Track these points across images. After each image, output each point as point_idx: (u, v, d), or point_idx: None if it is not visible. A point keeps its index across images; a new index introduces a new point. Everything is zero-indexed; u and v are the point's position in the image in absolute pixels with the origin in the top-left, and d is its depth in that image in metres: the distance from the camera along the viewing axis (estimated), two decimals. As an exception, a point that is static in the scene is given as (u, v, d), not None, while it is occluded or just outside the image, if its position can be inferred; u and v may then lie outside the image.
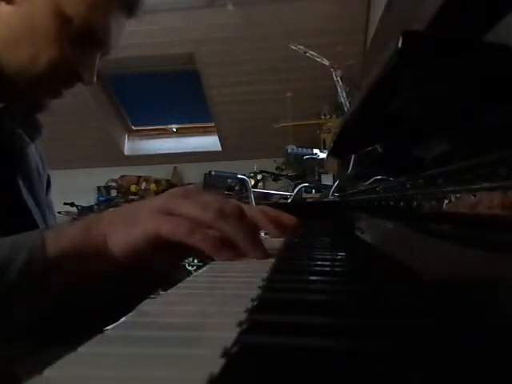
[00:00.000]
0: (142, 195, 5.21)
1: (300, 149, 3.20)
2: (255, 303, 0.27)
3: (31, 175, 0.72)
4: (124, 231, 0.45)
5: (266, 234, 0.70)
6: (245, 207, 0.67)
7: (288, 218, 0.66)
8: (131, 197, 5.24)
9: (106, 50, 0.67)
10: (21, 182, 0.68)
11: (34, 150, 0.75)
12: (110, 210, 0.51)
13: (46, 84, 0.64)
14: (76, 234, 0.46)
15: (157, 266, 0.52)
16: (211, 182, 4.62)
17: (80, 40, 0.63)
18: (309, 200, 3.48)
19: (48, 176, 0.80)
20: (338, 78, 3.10)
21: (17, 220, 0.64)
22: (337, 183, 2.23)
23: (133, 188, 5.31)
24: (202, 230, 0.44)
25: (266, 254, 0.48)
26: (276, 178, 4.67)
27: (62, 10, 0.60)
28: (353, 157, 1.00)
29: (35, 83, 0.63)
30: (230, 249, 0.46)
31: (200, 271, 0.45)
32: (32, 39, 0.61)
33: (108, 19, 0.63)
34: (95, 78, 0.68)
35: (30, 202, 0.68)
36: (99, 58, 0.68)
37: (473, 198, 0.28)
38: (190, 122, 5.21)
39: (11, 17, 0.60)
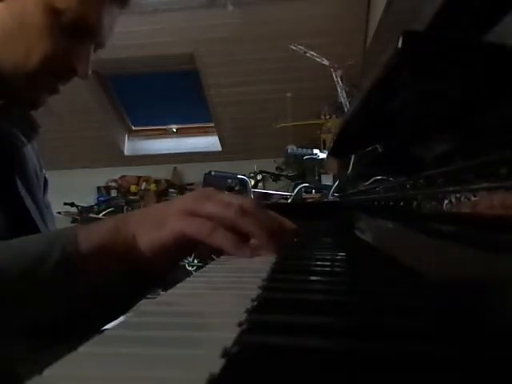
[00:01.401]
0: (142, 195, 5.21)
1: (300, 149, 3.20)
2: (255, 303, 0.27)
3: (29, 175, 0.72)
4: (153, 231, 0.48)
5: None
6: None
7: (290, 224, 0.67)
8: (131, 197, 5.23)
9: (99, 42, 0.67)
10: (19, 182, 0.67)
11: (30, 151, 0.75)
12: (136, 210, 0.55)
13: (42, 79, 0.64)
14: (106, 232, 0.49)
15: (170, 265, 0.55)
16: (211, 183, 4.63)
17: (72, 32, 0.62)
18: (309, 200, 3.48)
19: (45, 177, 0.80)
20: (338, 78, 3.10)
21: (15, 219, 0.64)
22: (337, 183, 2.23)
23: (133, 188, 5.31)
24: (222, 230, 0.48)
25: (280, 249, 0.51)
26: (276, 178, 4.67)
27: (52, 4, 0.60)
28: (353, 157, 1.00)
29: (30, 79, 0.63)
30: (247, 247, 0.50)
31: (200, 271, 0.45)
32: (24, 35, 0.61)
33: (99, 10, 0.63)
34: (90, 70, 0.67)
35: (28, 202, 0.68)
36: (93, 50, 0.67)
37: (473, 197, 0.28)
38: (189, 122, 5.21)
39: (2, 14, 0.60)
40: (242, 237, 0.50)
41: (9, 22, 0.61)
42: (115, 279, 0.49)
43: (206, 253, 0.61)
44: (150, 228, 0.49)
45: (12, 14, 0.60)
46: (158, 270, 0.53)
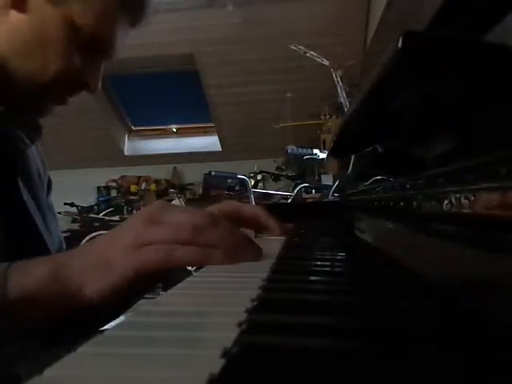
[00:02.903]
0: (142, 195, 5.21)
1: (300, 149, 3.21)
2: (255, 303, 0.27)
3: (32, 177, 0.72)
4: (101, 277, 0.43)
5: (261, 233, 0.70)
6: (243, 207, 0.67)
7: (272, 225, 0.67)
8: (131, 197, 5.24)
9: (109, 58, 0.69)
10: (21, 184, 0.68)
11: (34, 152, 0.75)
12: (78, 248, 0.48)
13: (52, 91, 0.65)
14: (41, 277, 0.43)
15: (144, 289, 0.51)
16: (211, 183, 4.63)
17: (87, 48, 0.64)
18: (309, 200, 3.48)
19: (49, 178, 0.81)
20: (338, 78, 3.10)
21: (17, 222, 0.64)
22: (337, 183, 2.23)
23: (133, 188, 5.31)
24: (181, 246, 0.43)
25: (252, 256, 0.46)
26: (276, 178, 4.67)
27: (71, 20, 0.61)
28: (353, 157, 1.00)
29: (42, 91, 0.64)
30: (217, 251, 0.44)
31: (200, 271, 0.45)
32: (42, 47, 0.62)
33: (114, 29, 0.65)
34: (99, 85, 0.69)
35: (31, 204, 0.68)
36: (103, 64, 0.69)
37: (473, 197, 0.28)
38: (190, 122, 5.21)
39: (22, 25, 0.61)
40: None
41: (28, 34, 0.61)
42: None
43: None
44: (96, 274, 0.43)
45: (32, 26, 0.61)
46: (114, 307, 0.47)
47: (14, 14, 0.61)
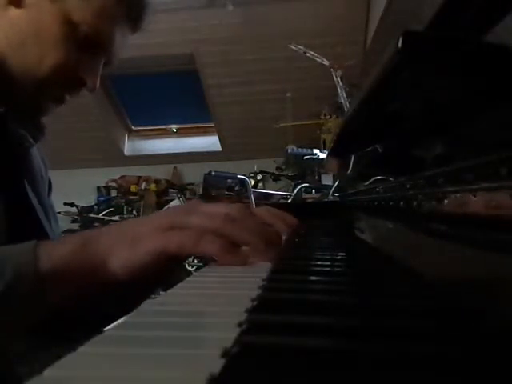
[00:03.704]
0: (142, 195, 5.21)
1: (300, 149, 3.21)
2: (255, 303, 0.27)
3: (35, 176, 0.72)
4: (127, 251, 0.43)
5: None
6: (253, 210, 0.66)
7: (290, 219, 0.66)
8: (131, 197, 5.24)
9: (109, 59, 0.69)
10: (26, 183, 0.68)
11: (36, 152, 0.75)
12: (109, 225, 0.49)
13: (50, 88, 0.65)
14: (71, 251, 0.43)
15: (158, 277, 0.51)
16: (211, 182, 4.63)
17: (85, 46, 0.64)
18: (309, 200, 3.48)
19: (49, 179, 0.81)
20: (338, 78, 3.10)
21: (22, 219, 0.64)
22: (337, 183, 2.23)
23: (133, 188, 5.31)
24: (209, 235, 0.43)
25: (276, 253, 0.47)
26: (276, 178, 4.67)
27: (69, 16, 0.62)
28: (353, 157, 1.00)
29: (39, 87, 0.64)
30: (238, 253, 0.45)
31: (200, 271, 0.45)
32: (38, 42, 0.62)
33: (113, 27, 0.65)
34: (98, 84, 0.69)
35: (35, 202, 0.68)
36: (102, 66, 0.69)
37: (473, 198, 0.28)
38: (189, 122, 5.21)
39: (19, 20, 0.62)
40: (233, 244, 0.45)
41: (25, 28, 0.62)
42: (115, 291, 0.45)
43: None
44: (124, 247, 0.43)
45: (29, 21, 0.62)
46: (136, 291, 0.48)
47: (11, 10, 0.61)
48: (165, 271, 0.47)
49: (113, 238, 0.45)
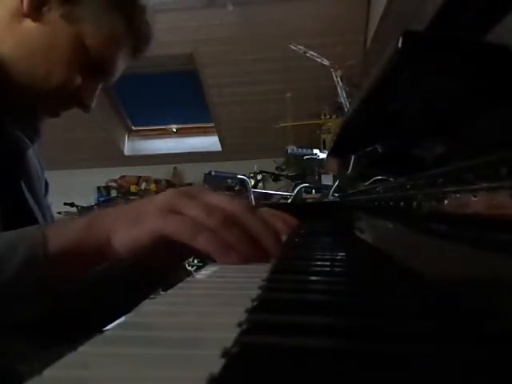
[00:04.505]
0: (142, 195, 5.21)
1: (300, 149, 3.20)
2: (255, 303, 0.27)
3: (32, 177, 0.73)
4: (129, 228, 0.44)
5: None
6: None
7: (290, 219, 0.67)
8: (131, 197, 5.23)
9: (107, 80, 0.72)
10: (23, 184, 0.68)
11: (32, 153, 0.76)
12: (114, 207, 0.50)
13: (49, 103, 0.68)
14: (78, 231, 0.45)
15: (156, 265, 0.52)
16: (211, 182, 4.63)
17: (89, 69, 0.67)
18: (309, 200, 3.48)
19: (45, 180, 0.81)
20: (338, 78, 3.10)
21: (19, 220, 0.64)
22: (337, 183, 2.23)
23: (133, 188, 5.31)
24: (207, 231, 0.43)
25: (274, 255, 0.46)
26: (276, 178, 4.67)
27: (81, 40, 0.64)
28: (353, 157, 1.00)
29: (39, 100, 0.66)
30: (234, 252, 0.44)
31: (200, 271, 0.45)
32: (48, 58, 0.64)
33: (118, 55, 0.68)
34: (93, 105, 0.73)
35: (32, 202, 0.69)
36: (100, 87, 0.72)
37: (473, 198, 0.28)
38: (190, 122, 5.21)
39: (33, 33, 0.63)
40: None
41: (37, 42, 0.64)
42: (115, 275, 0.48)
43: (187, 254, 0.54)
44: (126, 226, 0.45)
45: (42, 36, 0.64)
46: (157, 270, 0.51)
47: (28, 22, 0.63)
48: (164, 256, 0.48)
49: (117, 216, 0.46)
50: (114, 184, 5.43)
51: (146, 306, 0.29)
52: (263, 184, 4.84)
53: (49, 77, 0.64)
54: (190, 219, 0.43)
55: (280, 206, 1.98)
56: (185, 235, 0.43)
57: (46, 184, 0.82)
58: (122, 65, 0.71)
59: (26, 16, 0.62)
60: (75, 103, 0.70)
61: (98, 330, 0.24)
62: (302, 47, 3.34)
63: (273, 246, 0.46)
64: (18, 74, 0.64)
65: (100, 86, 0.72)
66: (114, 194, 5.42)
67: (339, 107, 3.52)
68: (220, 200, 0.45)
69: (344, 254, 0.54)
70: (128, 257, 0.45)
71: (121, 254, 0.45)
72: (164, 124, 5.24)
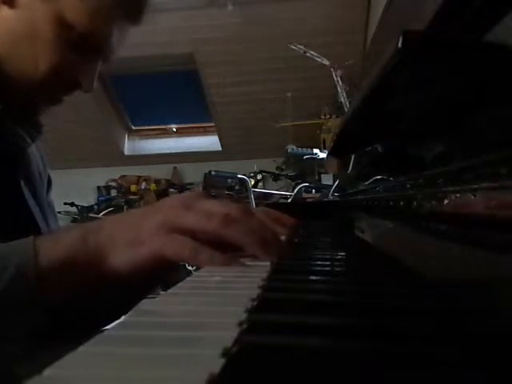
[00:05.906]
0: (142, 195, 5.21)
1: (300, 149, 3.21)
2: (255, 303, 0.27)
3: (32, 175, 0.72)
4: (129, 249, 0.43)
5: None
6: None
7: (288, 219, 0.66)
8: (131, 197, 5.24)
9: (106, 57, 0.68)
10: (22, 183, 0.68)
11: (34, 150, 0.75)
12: (108, 217, 0.48)
13: (46, 89, 0.65)
14: (71, 244, 0.43)
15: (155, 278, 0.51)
16: (211, 182, 4.63)
17: (81, 47, 0.63)
18: (309, 200, 3.48)
19: (49, 176, 0.81)
20: (338, 78, 3.10)
21: (18, 220, 0.64)
22: (337, 183, 2.23)
23: (133, 188, 5.31)
24: (207, 249, 0.42)
25: (277, 254, 0.45)
26: (276, 178, 4.67)
27: (62, 17, 0.60)
28: (353, 157, 1.00)
29: (35, 88, 0.63)
30: (237, 260, 0.44)
31: (200, 271, 0.45)
32: (32, 44, 0.61)
33: (110, 27, 0.63)
34: (94, 85, 0.68)
35: (32, 203, 0.68)
36: (100, 64, 0.68)
37: (473, 198, 0.28)
38: (189, 122, 5.21)
39: (12, 21, 0.61)
40: (230, 247, 0.45)
41: (17, 30, 0.61)
42: (113, 288, 0.45)
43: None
44: (125, 246, 0.43)
45: (21, 22, 0.61)
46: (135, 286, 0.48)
47: (3, 11, 0.60)
48: (163, 271, 0.47)
49: (114, 232, 0.44)
50: (113, 184, 5.42)
51: (146, 305, 0.29)
52: (263, 184, 4.84)
53: (37, 63, 0.61)
54: (189, 239, 0.42)
55: (280, 205, 1.98)
56: (186, 256, 0.42)
57: (50, 180, 0.81)
58: (119, 35, 0.65)
59: (1, 3, 0.60)
60: (74, 86, 0.67)
61: (98, 329, 0.23)
62: (302, 47, 3.34)
63: (272, 248, 0.45)
64: (7, 66, 0.61)
65: (98, 64, 0.67)
66: (113, 193, 5.42)
67: (339, 107, 3.52)
68: (217, 206, 0.45)
69: (344, 253, 0.54)
70: (127, 277, 0.44)
71: (120, 273, 0.43)
72: (164, 124, 5.24)
